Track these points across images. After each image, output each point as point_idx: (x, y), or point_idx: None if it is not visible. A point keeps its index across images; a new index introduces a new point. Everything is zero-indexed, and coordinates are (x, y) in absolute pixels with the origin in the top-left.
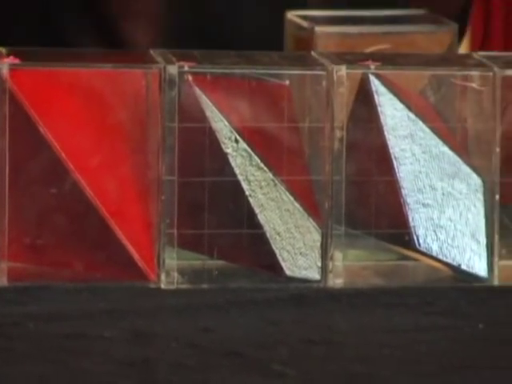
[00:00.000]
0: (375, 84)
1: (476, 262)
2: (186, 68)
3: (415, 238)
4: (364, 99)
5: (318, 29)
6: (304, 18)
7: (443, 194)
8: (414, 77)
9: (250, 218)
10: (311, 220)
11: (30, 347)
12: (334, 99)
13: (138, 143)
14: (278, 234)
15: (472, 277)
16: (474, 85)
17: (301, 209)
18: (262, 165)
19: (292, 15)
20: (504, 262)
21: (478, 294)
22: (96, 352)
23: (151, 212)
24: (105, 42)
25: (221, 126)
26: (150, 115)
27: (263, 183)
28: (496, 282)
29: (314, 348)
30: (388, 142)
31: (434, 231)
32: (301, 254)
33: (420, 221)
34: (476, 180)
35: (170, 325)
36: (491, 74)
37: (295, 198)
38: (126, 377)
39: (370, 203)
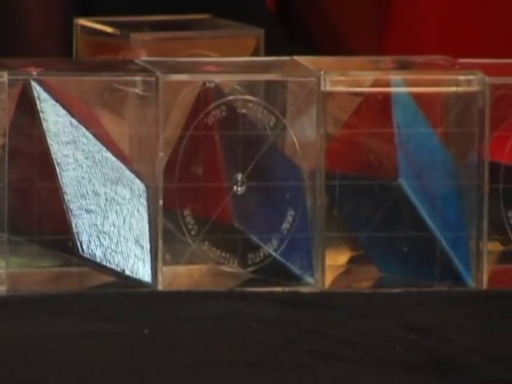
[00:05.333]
0: (37, 90)
1: (140, 267)
2: None
3: (79, 244)
4: (26, 105)
5: (134, 35)
6: (104, 23)
7: (106, 199)
8: (77, 83)
9: None
10: None
11: None
12: None
13: None
14: None
15: (136, 282)
16: (137, 90)
17: None
18: None
19: (85, 21)
20: (168, 268)
21: (142, 299)
22: None
23: None
24: None
25: None
26: None
27: None
28: (160, 287)
29: None
30: (51, 148)
31: (98, 237)
32: None
33: (83, 227)
34: (139, 185)
35: None
36: (154, 79)
37: None
38: None
39: (33, 210)
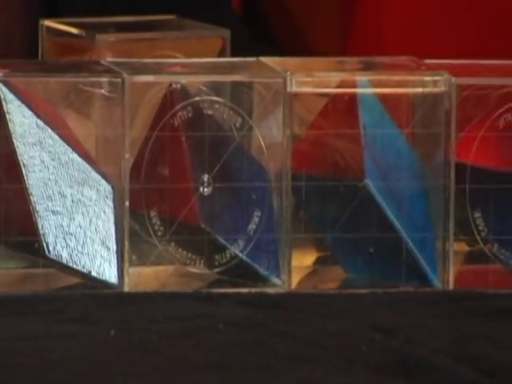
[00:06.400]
0: (3, 91)
1: (106, 268)
2: None
3: (45, 245)
4: None
5: (99, 36)
6: (69, 24)
7: (73, 200)
8: (43, 84)
9: None
10: None
11: None
12: None
13: None
14: None
15: (102, 283)
16: (103, 91)
17: None
18: None
19: (51, 22)
20: (134, 269)
21: (108, 301)
22: None
23: None
24: None
25: None
26: None
27: None
28: (126, 288)
29: None
30: (17, 150)
31: (64, 238)
32: None
33: (49, 228)
34: (106, 186)
35: None
36: (120, 80)
37: None
38: None
39: None
